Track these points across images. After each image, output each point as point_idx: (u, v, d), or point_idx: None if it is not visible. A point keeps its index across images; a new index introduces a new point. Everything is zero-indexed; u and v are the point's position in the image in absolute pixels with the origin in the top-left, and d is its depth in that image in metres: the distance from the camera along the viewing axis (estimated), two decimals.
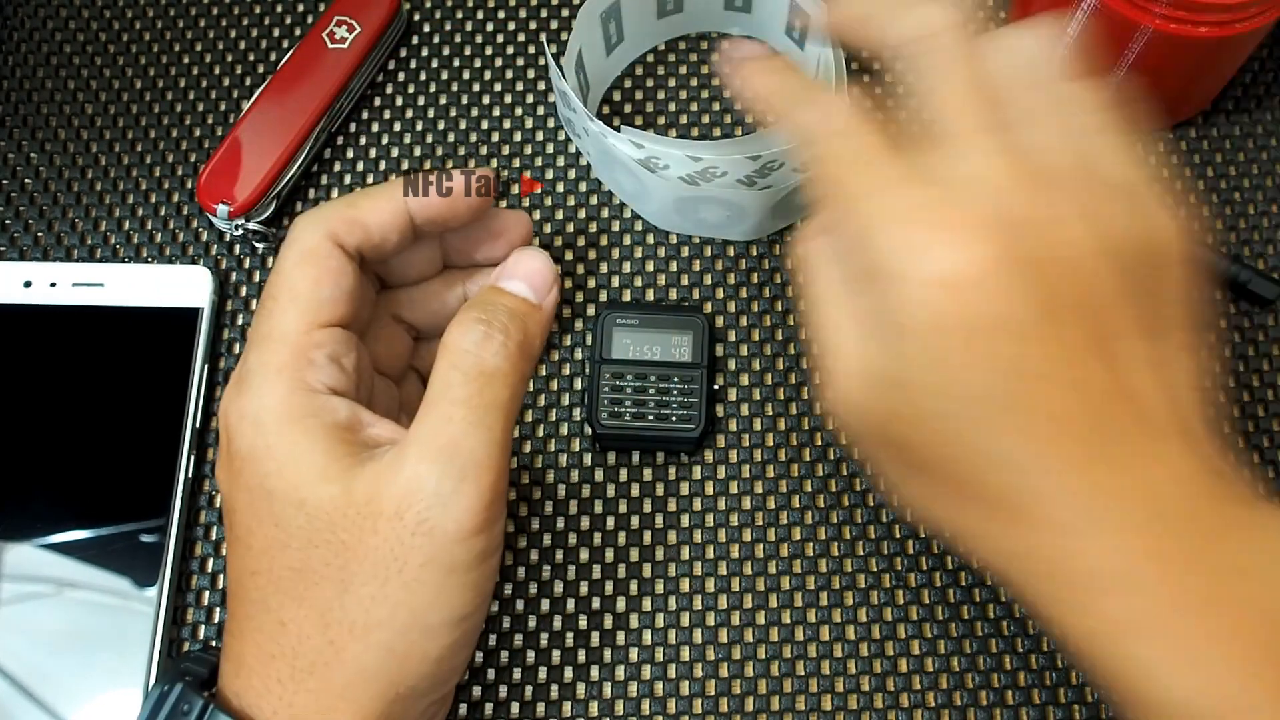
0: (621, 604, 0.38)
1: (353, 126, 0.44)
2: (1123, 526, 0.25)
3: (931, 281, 0.25)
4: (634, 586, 0.38)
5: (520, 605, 0.38)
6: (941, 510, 0.28)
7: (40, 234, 0.43)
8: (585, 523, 0.39)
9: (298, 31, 0.46)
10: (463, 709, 0.37)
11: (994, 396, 0.25)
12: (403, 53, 0.46)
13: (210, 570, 0.38)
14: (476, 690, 0.37)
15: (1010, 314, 0.25)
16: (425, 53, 0.46)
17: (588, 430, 0.40)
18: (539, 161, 0.44)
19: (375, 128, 0.44)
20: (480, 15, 0.46)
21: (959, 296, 0.25)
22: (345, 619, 0.29)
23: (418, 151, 0.44)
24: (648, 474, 0.40)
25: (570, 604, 0.38)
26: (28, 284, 0.40)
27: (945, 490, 0.28)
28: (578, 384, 0.41)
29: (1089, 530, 0.25)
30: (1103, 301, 0.26)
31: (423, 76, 0.45)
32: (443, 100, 0.45)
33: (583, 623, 0.38)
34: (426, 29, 0.46)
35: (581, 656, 0.37)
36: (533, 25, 0.46)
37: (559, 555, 0.39)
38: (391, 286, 0.36)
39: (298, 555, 0.29)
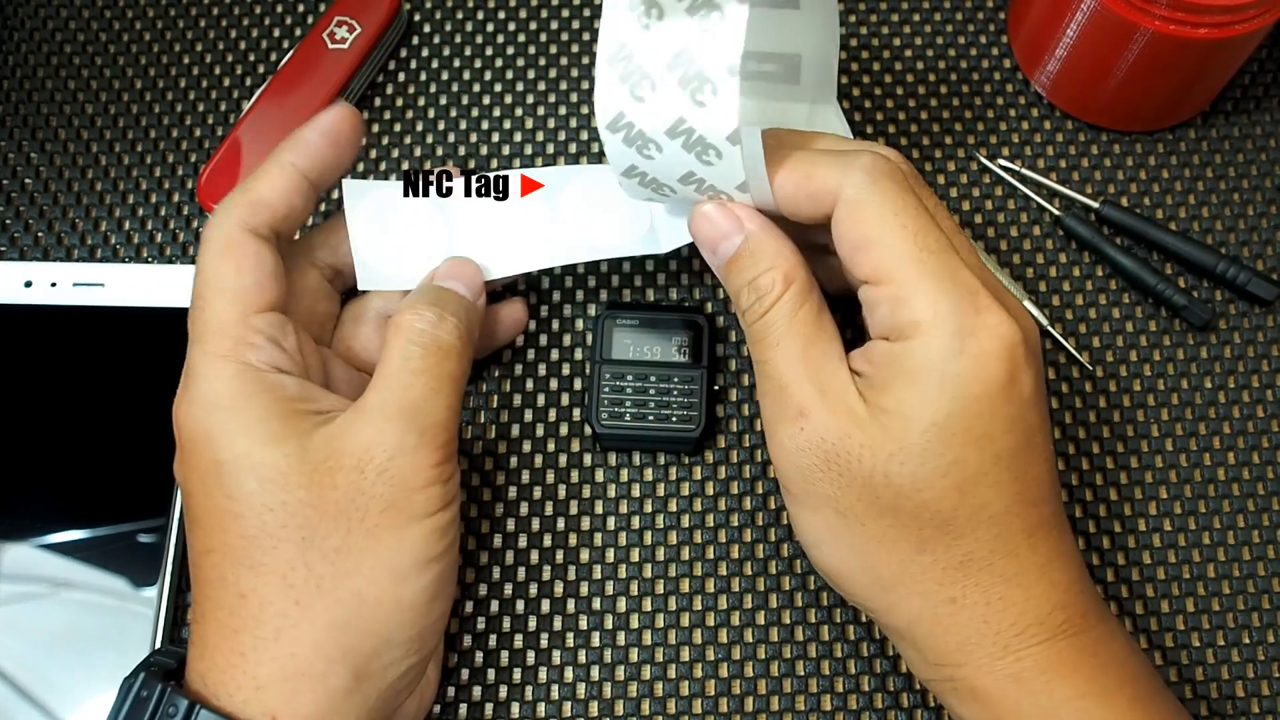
0: (622, 604, 0.38)
1: None
2: (1060, 584, 0.30)
3: (988, 342, 0.29)
4: (634, 587, 0.38)
5: (520, 605, 0.38)
6: (885, 554, 0.31)
7: (40, 234, 0.43)
8: (585, 523, 0.39)
9: (298, 32, 0.46)
10: (463, 710, 0.37)
11: (1005, 452, 0.29)
12: (403, 53, 0.46)
13: None
14: (477, 690, 0.37)
15: (1028, 386, 0.30)
16: (425, 53, 0.46)
17: (588, 430, 0.40)
18: (539, 162, 0.44)
19: (375, 128, 0.44)
20: (480, 15, 0.46)
21: (1007, 361, 0.29)
22: (311, 575, 0.29)
23: (418, 151, 0.44)
24: (648, 474, 0.40)
25: (570, 604, 0.38)
26: (28, 284, 0.40)
27: (905, 531, 0.30)
28: (578, 384, 0.41)
29: (1036, 582, 0.30)
30: (1041, 388, 0.31)
31: (423, 76, 0.45)
32: (443, 100, 0.45)
33: (583, 623, 0.38)
34: (426, 29, 0.46)
35: (582, 657, 0.37)
36: (533, 25, 0.46)
37: (559, 555, 0.39)
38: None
39: (251, 522, 0.29)
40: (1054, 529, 0.31)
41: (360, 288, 0.36)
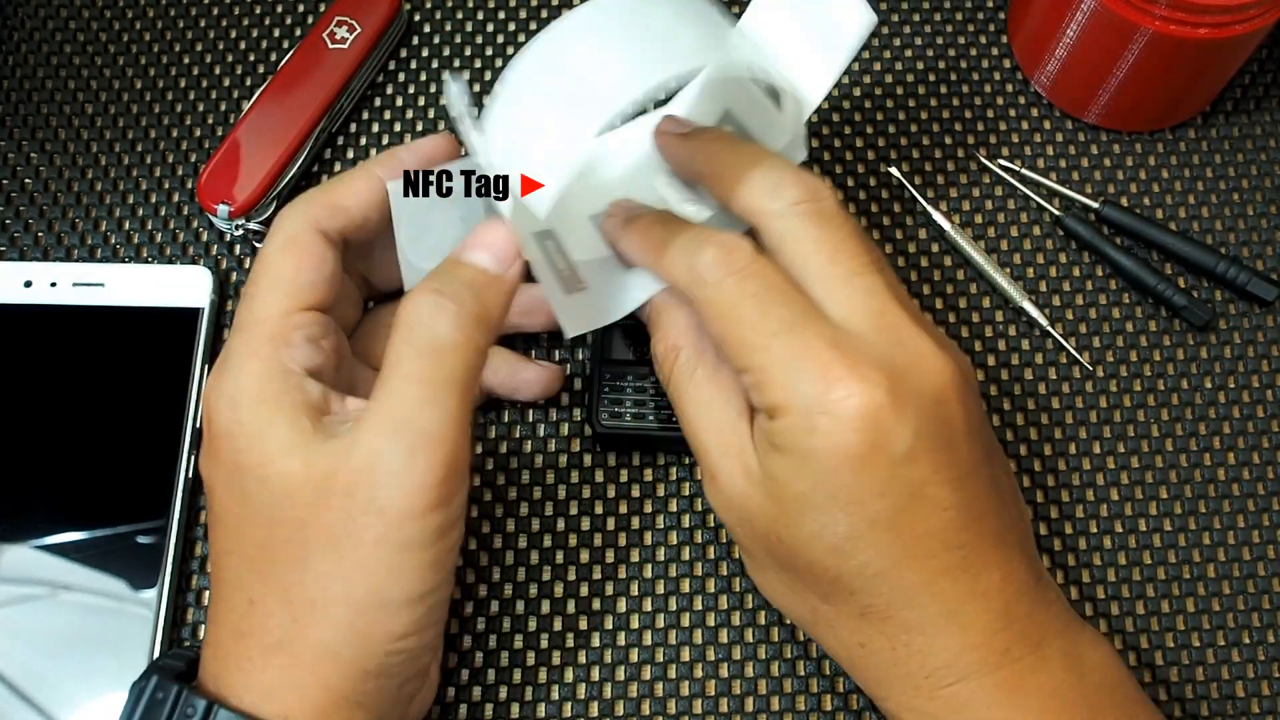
0: (622, 605, 0.38)
1: (353, 126, 0.44)
2: (972, 627, 0.30)
3: (840, 415, 0.29)
4: (635, 587, 0.38)
5: (520, 606, 0.38)
6: (798, 600, 0.32)
7: (40, 234, 0.43)
8: (585, 523, 0.39)
9: (298, 32, 0.46)
10: (463, 710, 0.37)
11: (880, 514, 0.29)
12: (403, 53, 0.46)
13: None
14: (477, 691, 0.37)
15: (900, 446, 0.29)
16: (425, 53, 0.46)
17: (588, 430, 0.40)
18: None
19: (375, 128, 0.44)
20: (480, 15, 0.46)
21: (863, 430, 0.28)
22: (305, 596, 0.29)
23: None
24: (648, 474, 0.40)
25: (571, 605, 0.38)
26: (28, 284, 0.40)
27: (805, 584, 0.31)
28: (578, 384, 0.41)
29: (943, 629, 0.30)
30: (956, 430, 0.30)
31: (423, 77, 0.45)
32: (443, 100, 0.45)
33: (583, 623, 0.38)
34: (426, 29, 0.46)
35: (582, 657, 0.37)
36: (533, 25, 0.46)
37: (559, 556, 0.39)
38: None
39: (262, 532, 0.29)
40: (967, 571, 0.30)
41: (406, 289, 0.34)
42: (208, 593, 0.38)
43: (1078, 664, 0.31)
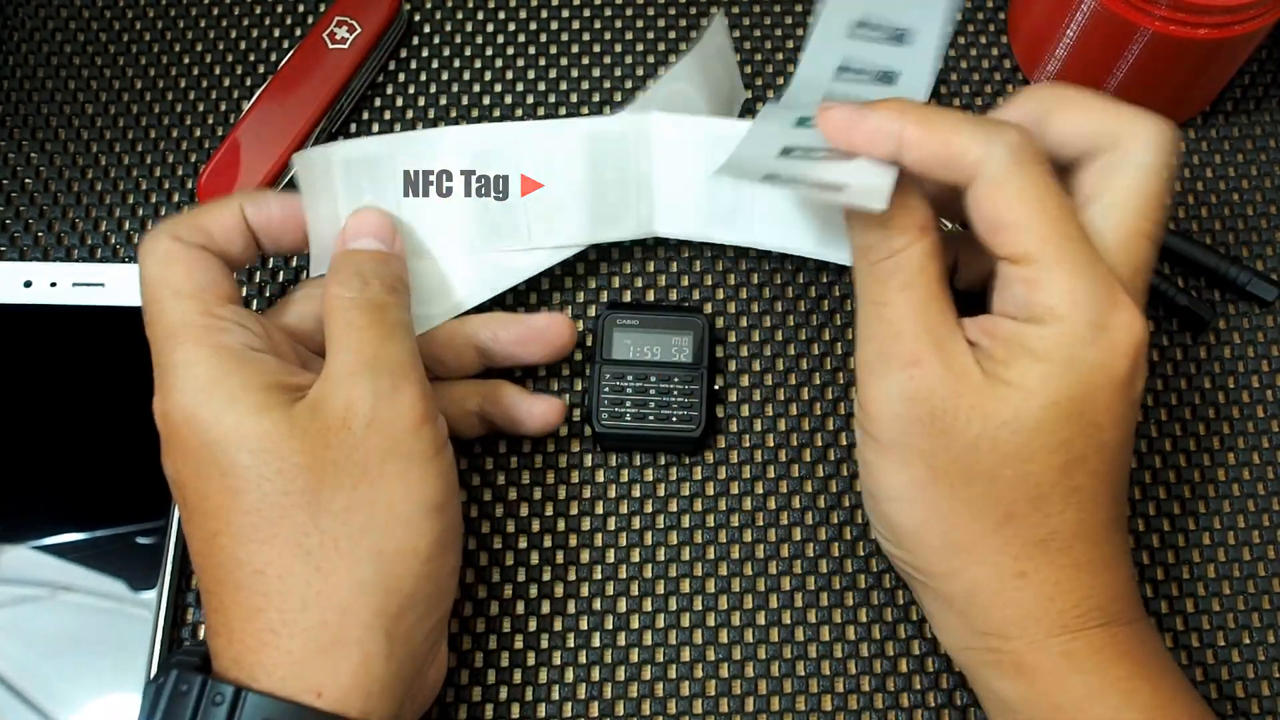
0: (622, 605, 0.38)
1: (353, 127, 0.44)
2: (1123, 577, 0.32)
3: (1118, 340, 0.30)
4: (634, 587, 0.38)
5: (521, 606, 0.38)
6: (961, 521, 0.31)
7: (40, 234, 0.43)
8: (586, 523, 0.39)
9: (298, 32, 0.46)
10: (463, 710, 0.37)
11: (1107, 444, 0.30)
12: (403, 53, 0.46)
13: None
14: (477, 691, 0.37)
15: (1139, 387, 0.31)
16: (425, 53, 0.46)
17: (588, 430, 0.40)
18: None
19: (375, 128, 0.44)
20: (480, 15, 0.46)
21: (1131, 360, 0.30)
22: (326, 539, 0.29)
23: None
24: (648, 475, 0.40)
25: (571, 605, 0.38)
26: (28, 284, 0.40)
27: (985, 502, 0.30)
28: (578, 384, 0.41)
29: (1108, 570, 0.31)
30: (1141, 395, 0.32)
31: (423, 77, 0.45)
32: (443, 100, 0.45)
33: (583, 623, 0.38)
34: (426, 29, 0.46)
35: (582, 657, 0.37)
36: (533, 25, 0.46)
37: (559, 556, 0.39)
38: None
39: (252, 496, 0.29)
40: (1123, 524, 0.32)
41: (312, 273, 0.36)
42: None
43: (1156, 634, 0.33)
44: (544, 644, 0.38)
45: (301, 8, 0.46)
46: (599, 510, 0.39)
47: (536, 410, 0.38)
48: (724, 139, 0.37)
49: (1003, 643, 0.31)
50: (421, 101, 0.45)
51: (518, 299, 0.41)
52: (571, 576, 0.38)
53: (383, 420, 0.30)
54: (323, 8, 0.46)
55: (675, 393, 0.39)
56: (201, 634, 0.37)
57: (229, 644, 0.30)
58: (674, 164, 0.39)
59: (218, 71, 0.45)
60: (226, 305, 0.32)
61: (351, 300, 0.33)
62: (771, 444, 0.40)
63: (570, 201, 0.39)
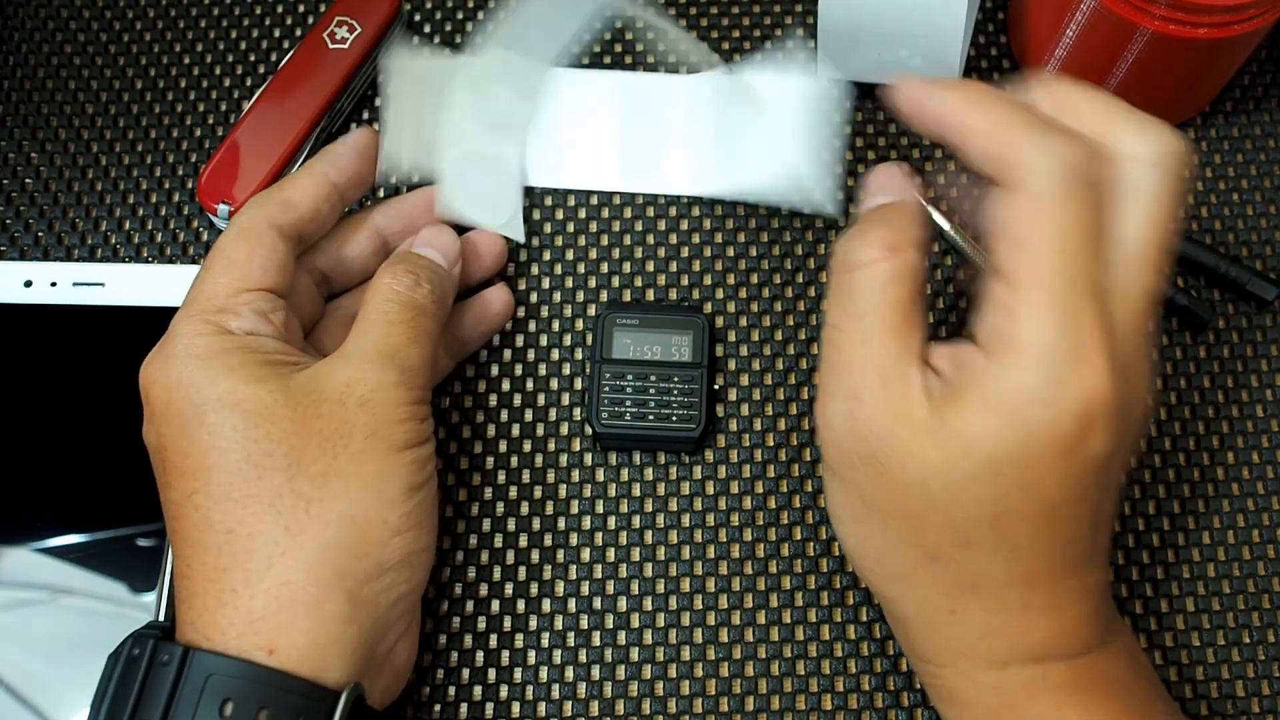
0: (622, 604, 0.38)
1: (353, 126, 0.44)
2: (1069, 617, 0.30)
3: (1078, 400, 0.27)
4: (635, 586, 0.38)
5: (521, 605, 0.38)
6: (898, 553, 0.31)
7: (40, 234, 0.43)
8: (586, 523, 0.39)
9: (298, 32, 0.46)
10: (463, 709, 0.37)
11: (1052, 504, 0.28)
12: None
13: None
14: (478, 690, 0.37)
15: (1101, 450, 0.28)
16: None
17: (588, 430, 0.40)
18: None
19: (375, 127, 0.44)
20: (480, 15, 0.46)
21: (1083, 420, 0.27)
22: (299, 501, 0.30)
23: None
24: (648, 474, 0.40)
25: (571, 604, 0.38)
26: (28, 284, 0.40)
27: (919, 539, 0.30)
28: (578, 384, 0.41)
29: (1044, 615, 0.30)
30: (1126, 445, 0.30)
31: None
32: None
33: (584, 622, 0.38)
34: (427, 29, 0.46)
35: (582, 656, 0.37)
36: None
37: (560, 555, 0.39)
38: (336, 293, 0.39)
39: (235, 455, 0.30)
40: (1083, 567, 0.30)
41: (380, 169, 0.39)
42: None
43: (1134, 658, 0.32)
44: (544, 642, 0.38)
45: (301, 8, 0.46)
46: (599, 509, 0.39)
47: (492, 300, 0.40)
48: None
49: (938, 669, 0.32)
50: None
51: (518, 299, 0.41)
52: (572, 575, 0.38)
53: (376, 405, 0.32)
54: (323, 8, 0.46)
55: (675, 392, 0.39)
56: None
57: (190, 607, 0.30)
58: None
59: (218, 71, 0.45)
60: (260, 291, 0.33)
61: (397, 293, 0.34)
62: (771, 443, 0.40)
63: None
